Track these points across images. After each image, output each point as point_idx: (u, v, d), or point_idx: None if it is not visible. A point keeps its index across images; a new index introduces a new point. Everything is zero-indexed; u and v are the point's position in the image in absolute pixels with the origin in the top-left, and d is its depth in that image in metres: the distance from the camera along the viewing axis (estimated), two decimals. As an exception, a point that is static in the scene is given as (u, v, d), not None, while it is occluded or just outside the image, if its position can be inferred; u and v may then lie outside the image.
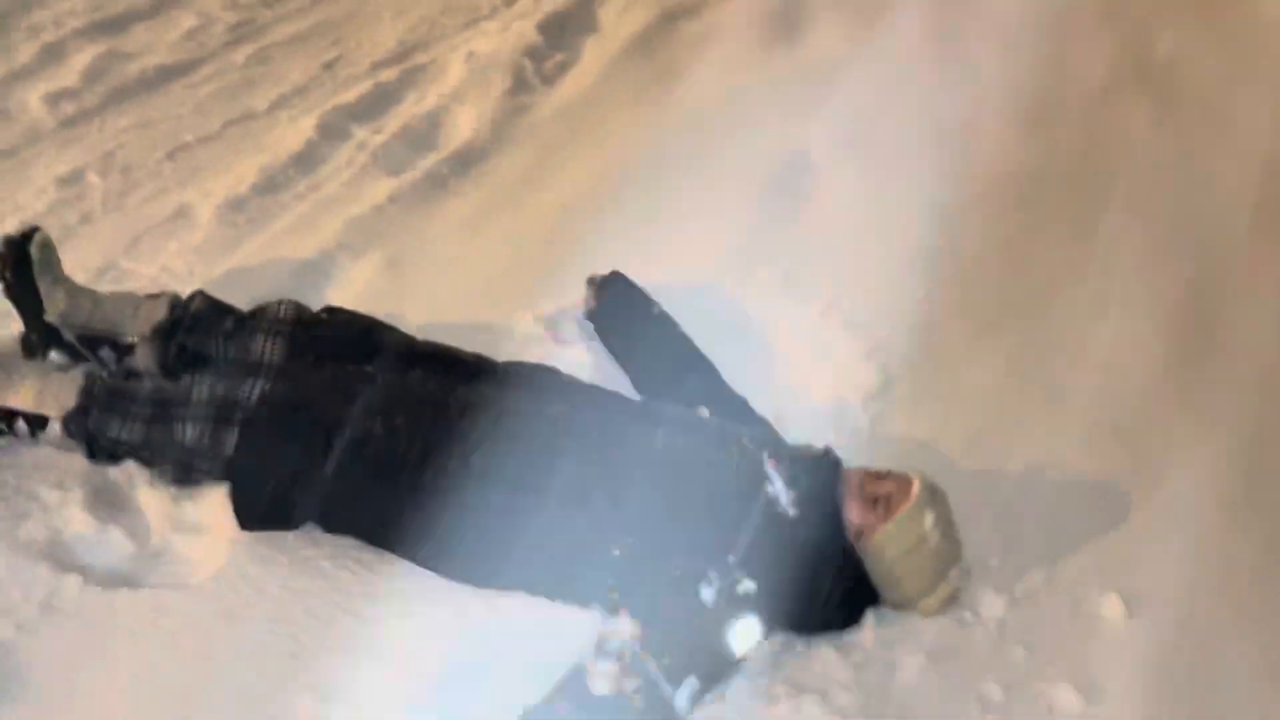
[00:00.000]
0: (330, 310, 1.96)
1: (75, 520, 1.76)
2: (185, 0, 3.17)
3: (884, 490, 1.71)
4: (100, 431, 1.73)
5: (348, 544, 1.76)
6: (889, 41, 3.55)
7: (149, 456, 1.75)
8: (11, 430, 1.79)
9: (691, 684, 1.58)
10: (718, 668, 1.62)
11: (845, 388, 2.20)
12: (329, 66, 3.07)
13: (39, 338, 1.92)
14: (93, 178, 2.49)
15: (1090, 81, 3.45)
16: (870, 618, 1.73)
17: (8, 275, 1.87)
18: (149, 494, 1.82)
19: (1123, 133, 3.21)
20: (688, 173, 2.82)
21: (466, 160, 2.77)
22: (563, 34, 3.38)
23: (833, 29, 3.55)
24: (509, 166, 2.79)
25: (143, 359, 1.90)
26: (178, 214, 2.44)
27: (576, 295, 2.34)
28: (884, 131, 3.09)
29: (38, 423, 1.77)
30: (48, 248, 1.91)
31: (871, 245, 2.62)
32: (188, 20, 3.08)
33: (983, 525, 1.88)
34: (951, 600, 1.75)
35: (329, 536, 1.75)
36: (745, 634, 1.62)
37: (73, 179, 2.47)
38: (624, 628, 1.66)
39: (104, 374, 1.78)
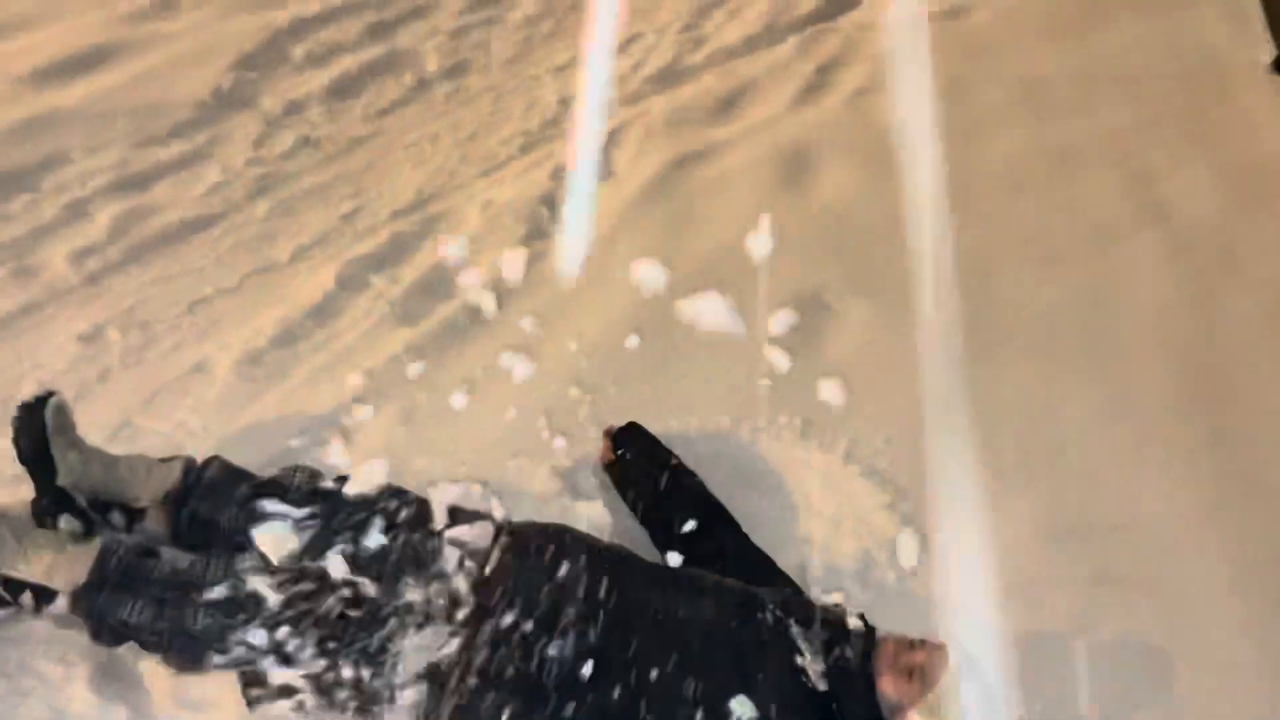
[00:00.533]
0: (343, 479, 1.94)
1: (78, 699, 1.71)
2: (211, 156, 3.25)
3: (918, 661, 1.65)
4: (110, 611, 1.69)
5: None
6: (896, 185, 3.60)
7: (155, 641, 1.70)
8: (16, 602, 1.74)
9: None
10: None
11: (870, 541, 2.15)
12: (349, 217, 3.12)
13: (50, 503, 1.86)
14: (113, 334, 2.51)
15: (1099, 220, 3.49)
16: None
17: (22, 441, 1.85)
18: (153, 669, 1.77)
19: (1135, 271, 3.22)
20: (702, 318, 2.83)
21: (484, 307, 2.78)
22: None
23: (841, 173, 3.61)
24: (525, 312, 2.80)
25: (153, 524, 1.88)
26: (195, 369, 2.44)
27: (593, 446, 2.32)
28: (895, 272, 3.10)
29: (45, 595, 1.72)
30: (62, 412, 1.89)
31: (889, 389, 2.60)
32: (212, 175, 3.15)
33: (1025, 692, 1.80)
34: None
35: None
36: None
37: (93, 335, 2.49)
38: None
39: (120, 551, 1.74)
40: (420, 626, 1.66)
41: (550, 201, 3.29)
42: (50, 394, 1.89)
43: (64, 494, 1.85)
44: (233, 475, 1.90)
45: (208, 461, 1.93)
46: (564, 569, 1.75)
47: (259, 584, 1.71)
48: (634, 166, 3.57)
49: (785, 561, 2.04)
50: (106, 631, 1.70)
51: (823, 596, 1.99)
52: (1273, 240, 3.40)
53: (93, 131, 3.18)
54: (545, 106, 3.95)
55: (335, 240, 3.01)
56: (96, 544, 1.75)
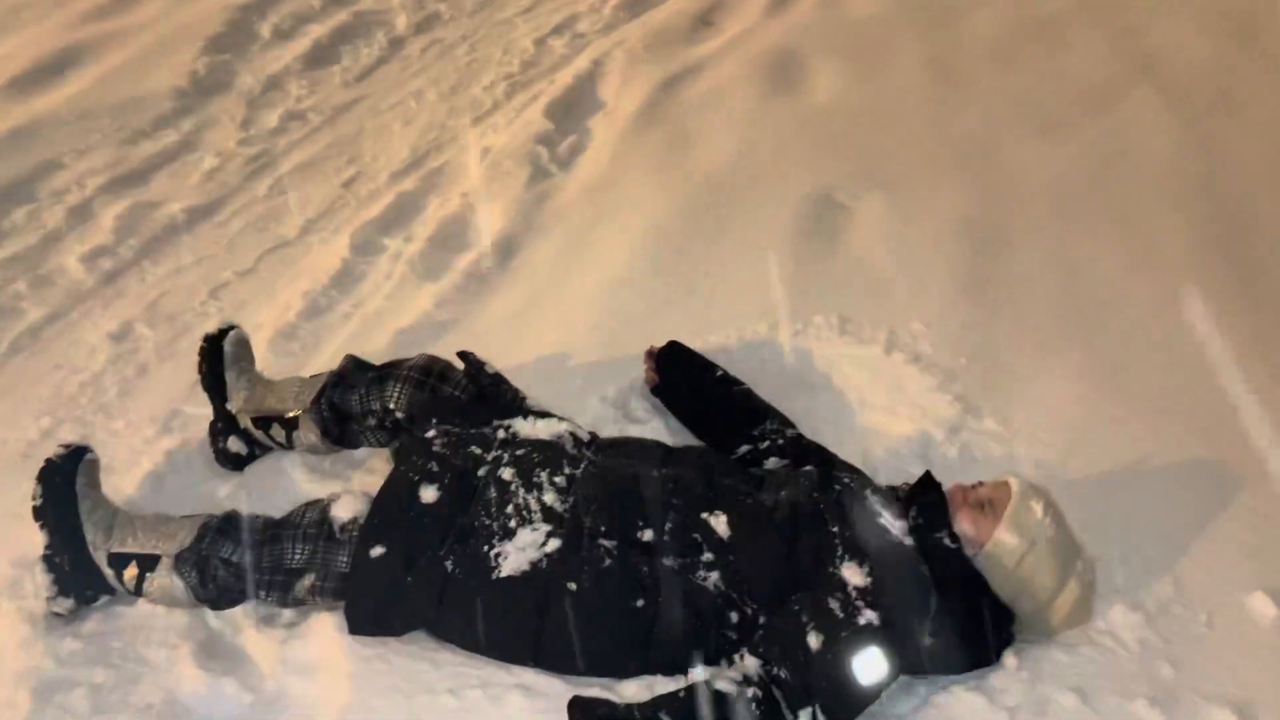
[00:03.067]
0: (462, 355, 2.05)
1: (188, 678, 1.73)
2: (200, 142, 3.22)
3: (985, 495, 1.71)
4: (214, 551, 1.75)
5: (464, 664, 1.72)
6: (887, 75, 3.58)
7: (259, 580, 1.75)
8: (120, 581, 1.77)
9: (812, 712, 1.55)
10: (843, 698, 1.58)
11: (926, 422, 2.18)
12: (349, 184, 3.10)
13: (222, 424, 2.10)
14: (142, 329, 2.50)
15: (1093, 82, 3.48)
16: (1011, 658, 1.68)
17: (204, 367, 2.08)
18: (256, 639, 1.80)
19: (1137, 127, 3.22)
20: (719, 232, 2.83)
21: (502, 254, 2.78)
22: (570, 117, 3.42)
23: (829, 72, 3.59)
24: (544, 254, 2.80)
25: (305, 430, 2.02)
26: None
27: (637, 371, 2.33)
28: (902, 162, 3.10)
29: (148, 563, 1.76)
30: (241, 344, 2.11)
31: (917, 275, 2.61)
32: (206, 161, 3.12)
33: (1100, 538, 1.84)
34: (1085, 602, 1.69)
35: (448, 657, 1.72)
36: (870, 665, 1.58)
37: (123, 334, 2.48)
38: (749, 663, 1.62)
39: (218, 517, 1.81)
40: (517, 529, 1.71)
41: (547, 140, 3.27)
42: (231, 327, 2.10)
43: (232, 418, 2.07)
44: (360, 365, 2.05)
45: (343, 361, 2.07)
46: (655, 470, 1.80)
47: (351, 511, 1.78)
48: (623, 95, 3.54)
49: (847, 453, 2.07)
50: (212, 585, 1.74)
51: (887, 477, 2.02)
52: (1267, 78, 3.41)
53: (79, 134, 3.15)
54: (521, 48, 3.91)
55: (341, 209, 3.00)
56: (199, 519, 1.80)
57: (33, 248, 2.72)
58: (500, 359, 2.44)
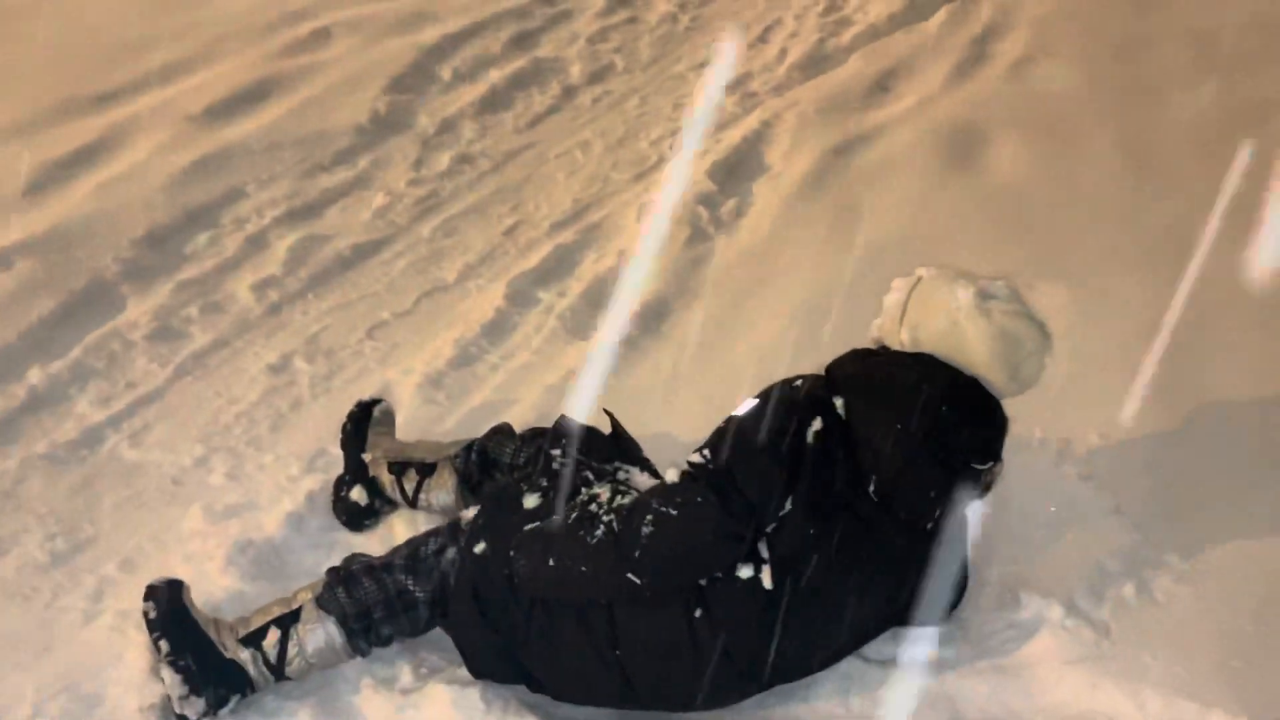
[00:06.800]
0: (608, 413, 2.03)
1: (303, 730, 1.72)
2: (374, 180, 3.30)
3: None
4: (351, 567, 1.79)
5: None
6: (1075, 156, 3.38)
7: (402, 566, 1.77)
8: (260, 660, 1.73)
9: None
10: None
11: (1098, 548, 1.99)
12: (510, 232, 3.12)
13: (350, 476, 2.12)
14: (300, 363, 2.55)
15: (1308, 179, 3.19)
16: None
17: (349, 426, 2.16)
18: (372, 699, 1.77)
19: (1357, 232, 2.92)
20: (879, 313, 2.70)
21: (653, 316, 2.74)
22: (733, 178, 3.35)
23: (1014, 148, 3.41)
24: (696, 319, 2.73)
25: (440, 481, 2.04)
26: (380, 393, 2.45)
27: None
28: (1087, 251, 2.91)
29: (288, 621, 1.74)
30: (388, 413, 2.22)
31: (1097, 380, 2.41)
32: (377, 199, 3.20)
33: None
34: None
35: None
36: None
37: (282, 366, 2.54)
38: None
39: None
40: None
41: (708, 201, 3.22)
42: (378, 400, 2.23)
43: (362, 468, 2.10)
44: (512, 431, 2.08)
45: (495, 425, 2.11)
46: None
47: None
48: (790, 159, 3.46)
49: (999, 573, 1.92)
50: (360, 595, 1.74)
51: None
52: None
53: (263, 164, 3.28)
54: (692, 104, 3.88)
55: (500, 257, 3.02)
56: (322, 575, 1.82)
57: (209, 273, 2.83)
58: (640, 427, 2.37)
